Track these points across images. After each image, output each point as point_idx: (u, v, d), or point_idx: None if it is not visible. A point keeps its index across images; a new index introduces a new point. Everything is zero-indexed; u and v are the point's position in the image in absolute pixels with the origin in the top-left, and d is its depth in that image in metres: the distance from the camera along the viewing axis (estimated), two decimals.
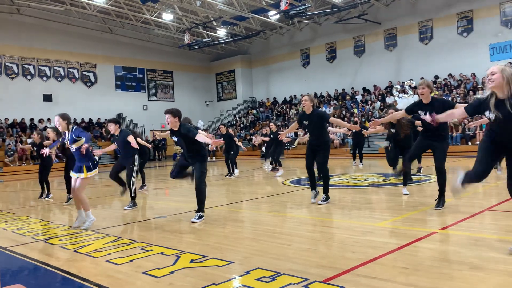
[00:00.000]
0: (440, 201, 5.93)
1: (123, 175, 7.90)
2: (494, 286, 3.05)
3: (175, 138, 6.17)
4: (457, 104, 5.90)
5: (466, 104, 4.21)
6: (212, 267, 3.83)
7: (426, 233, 4.70)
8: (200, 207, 6.09)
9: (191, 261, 4.02)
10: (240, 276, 3.55)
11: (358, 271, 3.49)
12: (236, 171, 13.82)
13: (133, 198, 7.59)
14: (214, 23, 27.61)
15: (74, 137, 5.86)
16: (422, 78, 23.20)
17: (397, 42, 25.57)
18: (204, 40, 29.11)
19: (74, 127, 5.96)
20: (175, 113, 5.99)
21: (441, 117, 4.49)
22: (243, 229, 5.64)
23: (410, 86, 21.64)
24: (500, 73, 3.54)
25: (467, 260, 3.64)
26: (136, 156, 7.68)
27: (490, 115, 3.64)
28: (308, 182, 7.26)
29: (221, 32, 29.54)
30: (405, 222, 5.48)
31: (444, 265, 3.56)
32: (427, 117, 4.70)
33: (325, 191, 7.00)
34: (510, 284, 3.07)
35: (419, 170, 10.71)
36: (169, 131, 6.40)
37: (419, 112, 5.85)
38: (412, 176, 9.11)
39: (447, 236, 4.67)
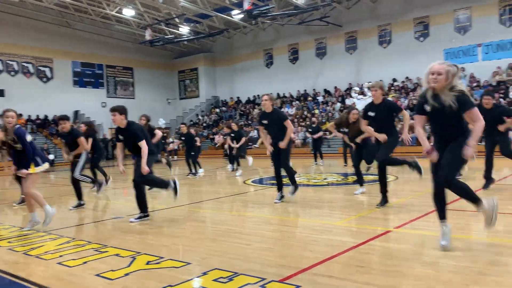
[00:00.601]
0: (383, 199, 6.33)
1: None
2: (445, 283, 3.16)
3: (121, 137, 6.01)
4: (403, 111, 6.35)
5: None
6: (168, 268, 3.76)
7: (381, 231, 4.82)
8: (141, 208, 5.96)
9: (147, 263, 3.93)
10: (197, 277, 3.50)
11: (315, 270, 3.52)
12: (200, 170, 13.62)
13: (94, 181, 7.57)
14: (177, 20, 27.26)
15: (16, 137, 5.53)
16: (381, 81, 23.88)
17: (357, 45, 26.14)
18: (166, 37, 28.65)
19: (17, 127, 5.60)
20: (121, 110, 5.85)
21: (425, 145, 4.00)
22: (203, 229, 5.58)
23: (369, 88, 22.18)
24: (446, 75, 3.74)
25: (419, 258, 3.76)
26: (84, 152, 7.39)
27: (427, 107, 3.87)
28: (274, 182, 7.31)
29: (184, 29, 29.20)
30: (361, 220, 5.60)
31: (398, 263, 3.66)
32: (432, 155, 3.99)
33: (293, 182, 7.14)
34: (460, 281, 3.19)
35: (368, 169, 10.78)
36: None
37: (369, 112, 6.13)
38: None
39: (402, 234, 4.80)
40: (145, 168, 5.69)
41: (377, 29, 25.23)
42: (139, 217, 5.92)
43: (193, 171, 13.15)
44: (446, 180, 3.79)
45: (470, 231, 4.85)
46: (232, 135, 13.43)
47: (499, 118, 7.24)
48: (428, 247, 4.06)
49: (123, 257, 4.17)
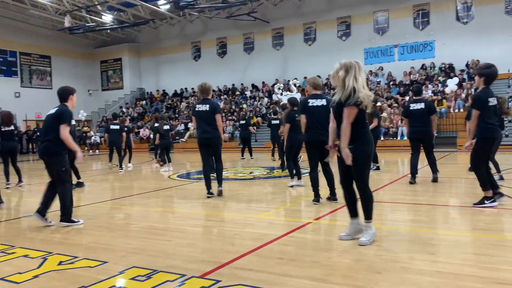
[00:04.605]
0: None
1: None
2: (358, 271, 3.31)
3: None
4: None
5: None
6: (83, 268, 3.56)
7: (302, 223, 4.96)
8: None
9: (60, 263, 3.70)
10: (113, 276, 3.35)
11: (235, 264, 3.53)
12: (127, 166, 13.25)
13: None
14: (99, 7, 25.92)
15: None
16: (305, 78, 24.58)
17: (284, 41, 26.67)
18: (87, 24, 27.14)
19: None
20: None
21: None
22: (123, 226, 5.36)
23: (295, 85, 22.78)
24: (336, 73, 4.15)
25: (337, 248, 3.91)
26: None
27: (333, 104, 4.15)
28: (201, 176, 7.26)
29: (107, 17, 27.84)
30: (284, 213, 5.72)
31: (316, 254, 3.77)
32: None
33: (219, 183, 7.07)
34: (372, 268, 3.36)
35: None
36: None
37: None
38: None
39: (321, 226, 4.97)
40: None
41: (303, 27, 25.92)
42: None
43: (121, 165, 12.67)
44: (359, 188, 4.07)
45: (383, 221, 5.14)
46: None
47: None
48: None
49: (32, 258, 3.89)
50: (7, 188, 8.96)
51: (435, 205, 5.98)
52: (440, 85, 20.78)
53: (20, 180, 9.45)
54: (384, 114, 18.22)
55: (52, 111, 5.29)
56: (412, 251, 3.74)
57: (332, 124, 4.19)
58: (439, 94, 20.11)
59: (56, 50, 30.27)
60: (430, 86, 20.94)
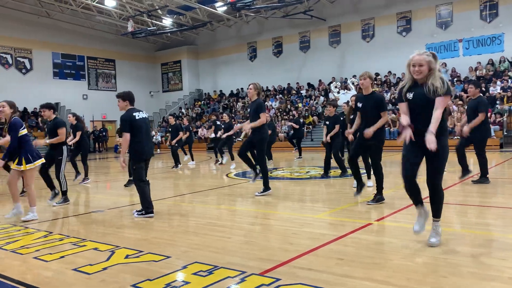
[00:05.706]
0: (375, 197, 6.00)
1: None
2: (423, 274, 3.19)
3: None
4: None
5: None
6: (148, 262, 3.72)
7: (362, 224, 4.85)
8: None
9: (126, 257, 3.89)
10: (176, 270, 3.47)
11: (295, 263, 3.52)
12: (190, 161, 14.33)
13: (64, 193, 7.03)
14: (159, 11, 26.89)
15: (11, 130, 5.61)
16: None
17: (341, 39, 26.23)
18: (148, 28, 28.25)
19: (14, 119, 5.70)
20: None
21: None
22: (184, 222, 5.53)
23: (353, 83, 22.35)
24: (427, 66, 3.74)
25: (399, 250, 3.79)
26: (65, 148, 7.15)
27: (409, 95, 3.87)
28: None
29: (167, 21, 28.84)
30: (343, 213, 5.63)
31: (377, 255, 3.68)
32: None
33: (264, 183, 7.14)
34: (438, 272, 3.23)
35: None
36: None
37: (358, 104, 6.00)
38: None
39: (382, 227, 4.84)
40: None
41: (361, 24, 25.35)
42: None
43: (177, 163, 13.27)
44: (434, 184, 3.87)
45: (449, 223, 4.91)
46: (223, 126, 13.37)
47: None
48: (407, 239, 4.10)
49: (101, 251, 4.11)
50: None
51: (505, 207, 5.63)
52: (510, 80, 19.49)
53: (85, 177, 10.12)
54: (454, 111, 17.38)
55: (143, 114, 5.90)
56: (481, 256, 3.55)
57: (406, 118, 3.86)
58: (509, 90, 18.87)
59: (119, 54, 31.82)
60: (498, 82, 19.70)
